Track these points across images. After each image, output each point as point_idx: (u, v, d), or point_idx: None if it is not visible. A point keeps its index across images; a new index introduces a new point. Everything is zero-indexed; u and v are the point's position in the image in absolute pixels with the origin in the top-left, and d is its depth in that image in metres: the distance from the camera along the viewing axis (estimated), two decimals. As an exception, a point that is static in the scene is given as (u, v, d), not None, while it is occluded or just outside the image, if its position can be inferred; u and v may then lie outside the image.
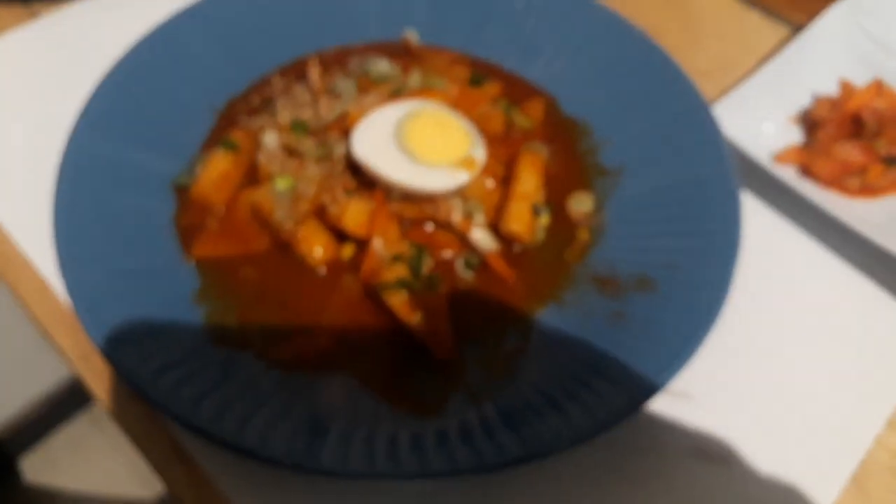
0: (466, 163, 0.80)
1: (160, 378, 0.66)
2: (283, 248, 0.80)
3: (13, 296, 0.82)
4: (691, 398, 0.77)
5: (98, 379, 0.77)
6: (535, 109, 0.94)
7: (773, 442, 0.76)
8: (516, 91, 0.96)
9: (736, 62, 1.10)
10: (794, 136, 0.98)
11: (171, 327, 0.71)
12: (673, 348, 0.70)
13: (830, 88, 1.00)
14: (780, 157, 0.93)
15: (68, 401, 2.21)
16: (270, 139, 0.84)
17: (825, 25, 1.03)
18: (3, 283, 0.84)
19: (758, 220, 0.90)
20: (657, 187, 0.85)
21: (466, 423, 0.67)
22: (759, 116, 0.96)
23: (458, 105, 0.88)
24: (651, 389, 0.67)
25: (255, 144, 0.86)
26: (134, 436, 0.74)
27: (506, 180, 0.86)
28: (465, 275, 0.81)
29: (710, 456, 0.75)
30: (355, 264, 0.80)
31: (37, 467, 2.18)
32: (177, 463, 0.72)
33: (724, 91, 1.05)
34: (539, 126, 0.93)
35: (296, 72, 0.95)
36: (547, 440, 0.64)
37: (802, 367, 0.81)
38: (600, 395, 0.68)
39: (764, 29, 1.15)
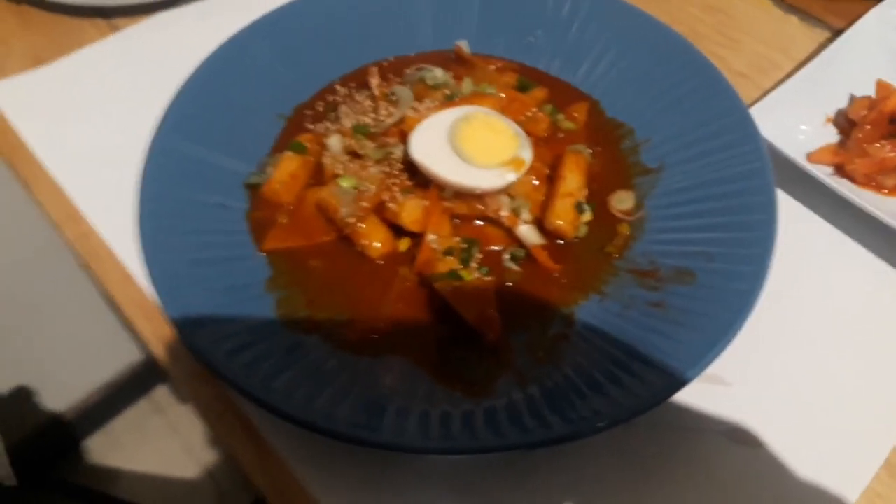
0: (514, 163, 0.86)
1: (234, 359, 0.73)
2: (346, 241, 0.87)
3: (99, 286, 0.91)
4: (726, 384, 0.82)
5: (175, 362, 0.85)
6: (579, 112, 0.99)
7: (806, 427, 0.80)
8: (561, 95, 1.02)
9: (774, 65, 1.13)
10: (830, 136, 1.01)
11: (245, 313, 0.79)
12: (710, 337, 0.75)
13: (867, 90, 1.03)
14: (814, 157, 0.97)
15: (131, 386, 2.32)
16: (335, 142, 0.92)
17: (862, 28, 1.06)
18: (89, 275, 0.93)
19: (792, 217, 0.94)
20: (695, 184, 0.90)
21: (514, 404, 0.73)
22: (796, 117, 1.00)
23: (506, 110, 0.94)
24: (688, 375, 0.72)
25: (321, 147, 0.93)
26: (208, 415, 0.82)
27: (550, 179, 0.92)
28: (511, 267, 0.87)
29: (744, 439, 0.79)
30: (411, 257, 0.87)
31: (100, 448, 2.31)
32: (246, 440, 0.79)
33: (762, 92, 1.09)
34: (582, 128, 0.98)
35: (357, 80, 1.02)
36: (589, 420, 0.70)
37: (835, 357, 0.85)
38: (640, 378, 0.73)
39: (802, 33, 1.18)
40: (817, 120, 1.02)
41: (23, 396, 2.06)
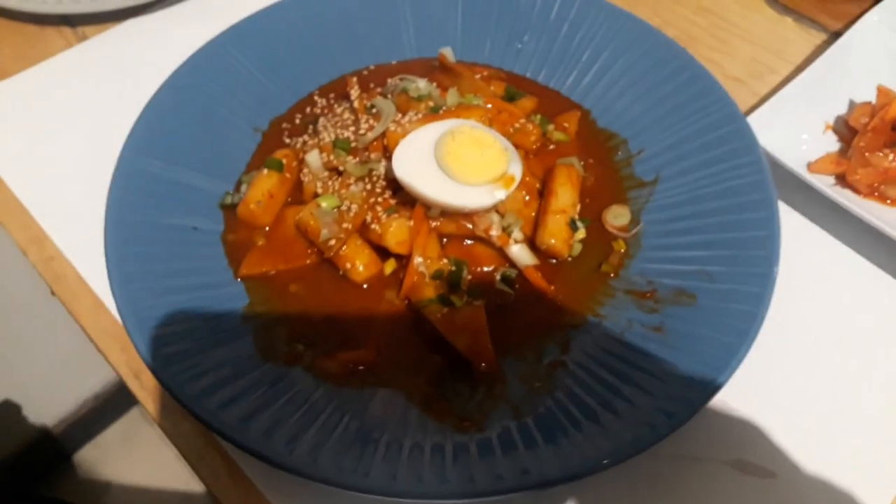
0: (504, 180, 0.82)
1: (210, 397, 0.68)
2: (328, 264, 0.82)
3: (68, 312, 0.85)
4: (730, 408, 0.78)
5: (149, 396, 0.80)
6: (570, 123, 0.95)
7: (817, 453, 0.76)
8: (551, 105, 0.97)
9: (770, 69, 1.10)
10: (830, 144, 0.98)
11: (221, 345, 0.74)
12: (713, 364, 0.71)
13: (867, 95, 1.00)
14: (816, 167, 0.93)
15: (121, 396, 2.27)
16: (314, 158, 0.87)
17: (861, 31, 1.03)
18: (58, 300, 0.88)
19: (793, 229, 0.90)
20: (693, 198, 0.86)
21: (509, 439, 0.69)
22: (795, 125, 0.96)
23: (494, 121, 0.90)
24: (692, 406, 0.68)
25: (300, 163, 0.88)
26: (186, 453, 0.77)
27: (541, 194, 0.88)
28: (503, 289, 0.82)
29: (752, 469, 0.75)
30: (397, 279, 0.82)
31: (91, 460, 2.25)
32: (228, 478, 0.74)
33: (759, 98, 1.05)
34: (574, 139, 0.94)
35: (336, 90, 0.97)
36: (589, 459, 0.65)
37: (844, 378, 0.81)
38: (642, 410, 0.69)
39: (797, 35, 1.15)
40: (817, 127, 0.98)
41: (8, 410, 2.00)
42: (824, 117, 0.99)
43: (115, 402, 2.29)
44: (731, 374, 0.70)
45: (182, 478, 2.22)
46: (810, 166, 0.93)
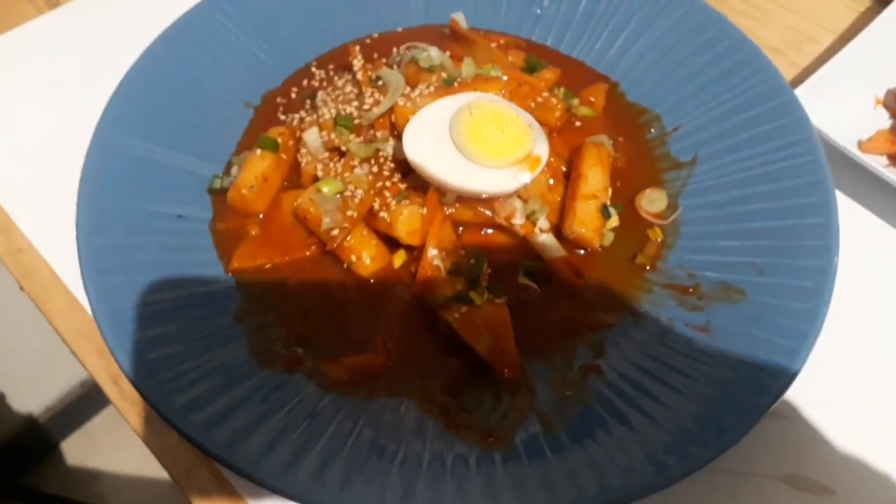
0: (528, 161, 0.72)
1: (198, 411, 0.60)
2: (330, 256, 0.73)
3: (40, 312, 0.76)
4: (784, 419, 0.70)
5: (130, 406, 0.71)
6: (597, 96, 0.86)
7: (880, 469, 0.68)
8: (575, 77, 0.88)
9: (809, 38, 1.00)
10: (881, 120, 0.89)
11: (211, 349, 0.65)
12: (770, 370, 0.63)
13: (921, 67, 0.91)
14: (867, 146, 0.84)
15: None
16: (312, 137, 0.77)
17: (913, -4, 0.93)
18: (28, 297, 0.78)
19: (844, 215, 0.81)
20: (737, 181, 0.77)
21: (540, 455, 0.60)
22: (842, 100, 0.87)
23: (513, 95, 0.80)
24: (747, 420, 0.60)
25: (296, 142, 0.79)
26: (171, 469, 0.68)
27: (567, 177, 0.79)
28: (527, 284, 0.73)
29: (807, 485, 0.67)
30: (408, 273, 0.73)
31: (78, 449, 2.17)
32: (217, 494, 0.66)
33: (799, 70, 0.96)
34: (601, 115, 0.85)
35: (336, 61, 0.87)
36: (633, 482, 0.57)
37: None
38: (690, 425, 0.61)
39: (840, 2, 1.05)
40: (866, 102, 0.90)
41: (-8, 398, 1.92)
42: (874, 91, 0.90)
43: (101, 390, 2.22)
44: (790, 383, 0.62)
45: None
46: (861, 145, 0.85)
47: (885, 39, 0.91)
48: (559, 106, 0.81)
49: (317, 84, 0.86)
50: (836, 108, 0.86)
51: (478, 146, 0.71)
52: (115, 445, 2.18)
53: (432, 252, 0.71)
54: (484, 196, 0.72)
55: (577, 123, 0.83)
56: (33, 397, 2.05)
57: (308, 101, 0.83)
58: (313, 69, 0.87)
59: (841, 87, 0.87)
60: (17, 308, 1.75)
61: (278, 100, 0.85)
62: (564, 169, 0.79)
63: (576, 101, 0.84)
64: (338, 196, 0.72)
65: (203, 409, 0.60)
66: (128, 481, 2.13)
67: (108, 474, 2.15)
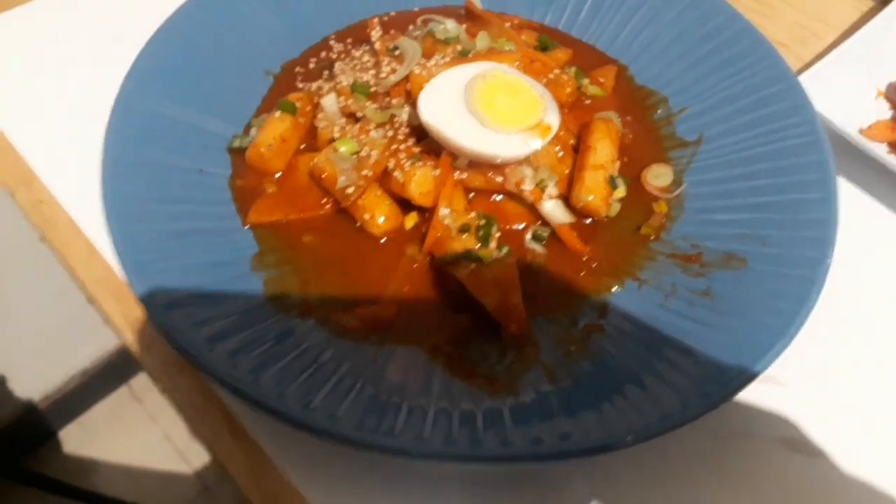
0: (539, 128, 0.75)
1: (215, 346, 0.61)
2: (344, 215, 0.76)
3: (60, 260, 0.78)
4: (780, 384, 0.72)
5: (146, 348, 0.73)
6: (606, 77, 0.88)
7: (871, 434, 0.70)
8: (585, 59, 0.91)
9: (814, 34, 1.03)
10: (882, 111, 0.91)
11: (227, 293, 0.67)
12: (769, 332, 0.65)
13: (921, 62, 0.93)
14: (869, 133, 0.87)
15: (108, 374, 2.19)
16: (330, 102, 0.80)
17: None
18: (50, 250, 0.81)
19: (843, 199, 0.84)
20: (741, 159, 0.80)
21: (545, 402, 0.62)
22: (844, 91, 0.90)
23: (526, 71, 0.82)
24: (745, 377, 0.62)
25: (314, 108, 0.81)
26: (184, 409, 0.70)
27: (576, 150, 0.81)
28: (534, 248, 0.76)
29: (803, 447, 0.69)
30: (419, 234, 0.75)
31: (75, 439, 2.17)
32: (230, 438, 0.68)
33: (803, 64, 0.99)
34: (610, 95, 0.88)
35: (354, 35, 0.90)
36: (635, 427, 0.59)
37: (899, 354, 0.75)
38: (690, 378, 0.63)
39: (843, 1, 1.08)
40: (868, 94, 0.92)
41: (-6, 382, 1.92)
42: (875, 84, 0.93)
43: (103, 379, 2.22)
44: (788, 343, 0.64)
45: (170, 458, 2.17)
46: (863, 132, 0.87)
47: (887, 34, 0.94)
48: (570, 83, 0.83)
49: (335, 56, 0.88)
50: (838, 98, 0.89)
51: (491, 112, 0.74)
52: (112, 437, 2.18)
53: (444, 211, 0.73)
54: (497, 161, 0.74)
55: (587, 101, 0.86)
56: (32, 385, 2.05)
57: (326, 72, 0.86)
58: (331, 42, 0.90)
59: (842, 78, 0.90)
60: (16, 296, 1.78)
61: (297, 69, 0.88)
62: (573, 143, 0.82)
63: (586, 81, 0.87)
64: (353, 156, 0.75)
65: (219, 344, 0.62)
66: (123, 473, 2.13)
67: (104, 465, 2.15)
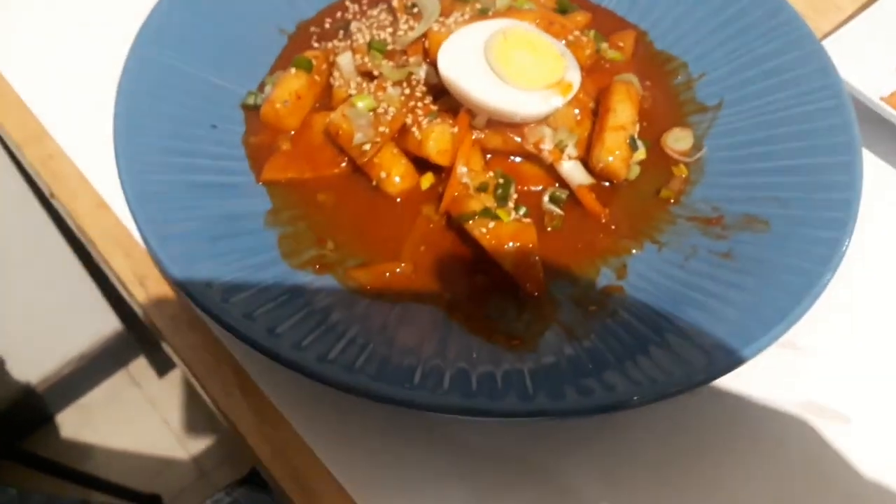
0: (561, 86, 0.73)
1: (231, 298, 0.60)
2: (359, 174, 0.74)
3: (67, 214, 0.77)
4: (798, 349, 0.71)
5: (154, 304, 0.72)
6: (625, 42, 0.87)
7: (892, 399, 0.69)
8: (604, 23, 0.89)
9: (833, 5, 1.02)
10: (903, 80, 0.90)
11: (242, 246, 0.66)
12: (793, 290, 0.63)
13: (942, 33, 0.92)
14: (891, 100, 0.85)
15: (106, 358, 2.19)
16: (346, 61, 0.78)
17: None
18: (56, 205, 0.79)
19: (866, 169, 0.82)
20: (762, 123, 0.78)
21: (566, 359, 0.61)
22: (865, 57, 0.89)
23: (545, 32, 0.81)
24: (766, 338, 0.61)
25: (330, 66, 0.80)
26: (196, 368, 0.69)
27: (595, 114, 0.80)
28: (552, 210, 0.74)
29: (825, 412, 0.68)
30: (435, 196, 0.74)
31: (73, 422, 2.17)
32: (241, 396, 0.67)
33: (822, 35, 0.97)
34: (629, 59, 0.86)
35: (368, -4, 0.89)
36: (660, 383, 0.58)
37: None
38: (714, 336, 0.62)
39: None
40: (888, 62, 0.91)
41: (-9, 364, 1.91)
42: (894, 54, 0.92)
43: (102, 363, 2.21)
44: (813, 302, 0.63)
45: (167, 444, 2.16)
46: (884, 100, 0.86)
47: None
48: (589, 45, 0.82)
49: (350, 16, 0.87)
50: (858, 65, 0.87)
51: (511, 69, 0.72)
52: (109, 422, 2.18)
53: (462, 170, 0.72)
54: (517, 118, 0.73)
55: (607, 65, 0.85)
56: (30, 367, 2.04)
57: (342, 31, 0.85)
58: (347, 2, 0.89)
59: (862, 46, 0.89)
60: (15, 278, 1.77)
61: (312, 29, 0.86)
62: (592, 106, 0.80)
63: (605, 45, 0.85)
64: (370, 113, 0.73)
65: (235, 295, 0.60)
66: (120, 457, 2.12)
67: (101, 449, 2.15)
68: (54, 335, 2.02)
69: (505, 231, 0.69)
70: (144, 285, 0.72)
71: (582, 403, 0.56)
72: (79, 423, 2.18)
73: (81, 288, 1.82)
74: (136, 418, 2.20)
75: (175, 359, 0.70)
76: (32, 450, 2.11)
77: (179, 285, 0.60)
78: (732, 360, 0.59)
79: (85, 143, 0.79)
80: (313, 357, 0.57)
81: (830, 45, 0.86)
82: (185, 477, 2.13)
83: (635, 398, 0.57)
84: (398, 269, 0.68)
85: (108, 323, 2.08)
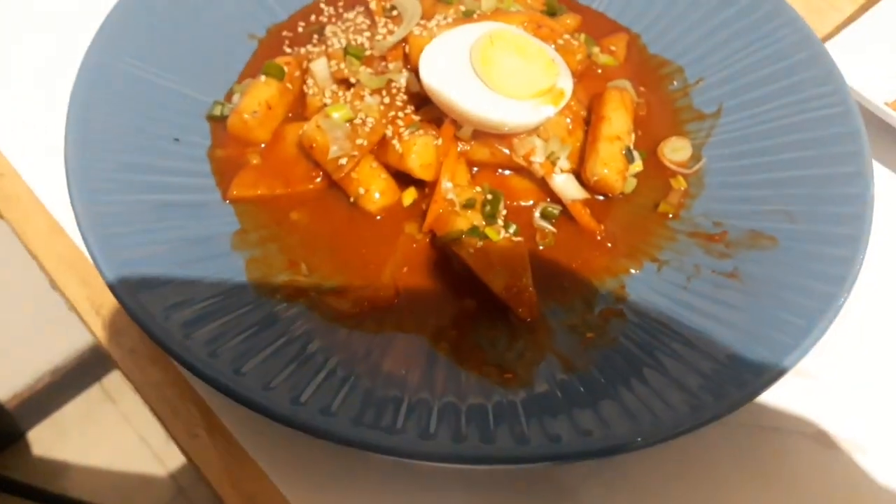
0: (552, 95, 0.68)
1: (192, 333, 0.54)
2: (336, 189, 0.69)
3: (18, 238, 0.71)
4: (810, 376, 0.66)
5: (114, 337, 0.66)
6: (618, 46, 0.82)
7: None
8: (595, 26, 0.84)
9: (831, 5, 0.98)
10: (906, 84, 0.86)
11: (206, 273, 0.60)
12: (806, 314, 0.59)
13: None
14: (894, 107, 0.81)
15: (80, 372, 2.12)
16: (320, 67, 0.73)
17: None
18: (11, 230, 0.73)
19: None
20: (764, 131, 0.74)
21: (562, 395, 0.56)
22: (867, 62, 0.84)
23: (534, 36, 0.76)
24: (781, 365, 0.56)
25: (303, 73, 0.74)
26: (156, 405, 0.63)
27: (587, 122, 0.75)
28: (544, 227, 0.69)
29: (837, 442, 0.63)
30: (418, 212, 0.69)
31: (46, 440, 2.10)
32: (207, 437, 0.61)
33: (821, 37, 0.93)
34: (622, 64, 0.81)
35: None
36: (663, 423, 0.53)
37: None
38: (723, 367, 0.57)
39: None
40: (891, 67, 0.87)
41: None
42: (899, 56, 0.88)
43: (75, 377, 2.15)
44: (828, 327, 0.58)
45: (144, 460, 2.10)
46: (889, 105, 0.82)
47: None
48: (580, 49, 0.77)
49: (325, 20, 0.81)
50: (860, 71, 0.83)
51: (499, 76, 0.67)
52: (84, 438, 2.11)
53: (447, 185, 0.67)
54: (505, 129, 0.68)
55: (599, 71, 0.80)
56: (1, 383, 1.97)
57: (316, 36, 0.79)
58: (322, 5, 0.83)
59: (865, 50, 0.85)
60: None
61: (284, 33, 0.81)
62: (584, 115, 0.75)
63: (596, 49, 0.80)
64: (347, 124, 0.68)
65: (197, 330, 0.55)
66: (96, 475, 2.06)
67: (76, 467, 2.08)
68: (25, 349, 1.95)
69: (494, 251, 0.64)
70: (101, 315, 0.66)
71: (581, 446, 0.51)
72: (52, 440, 2.11)
73: (52, 299, 1.75)
74: (111, 435, 2.13)
75: (136, 395, 0.64)
76: (3, 469, 2.04)
77: (135, 319, 0.54)
78: (743, 395, 0.54)
79: (38, 161, 0.73)
80: (285, 400, 0.51)
81: (832, 49, 0.82)
82: (162, 495, 2.07)
83: (639, 440, 0.52)
84: (379, 294, 0.63)
85: (80, 336, 2.01)
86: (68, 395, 2.16)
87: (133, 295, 0.55)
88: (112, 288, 0.55)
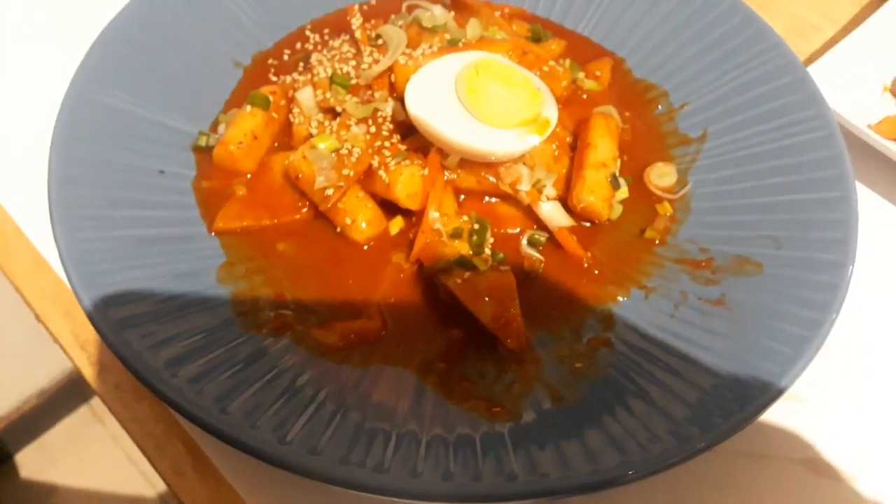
0: (538, 124, 0.69)
1: (177, 371, 0.54)
2: (323, 219, 0.68)
3: (2, 274, 0.70)
4: (799, 400, 0.66)
5: (99, 373, 0.65)
6: (602, 71, 0.82)
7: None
8: (580, 52, 0.84)
9: (814, 27, 0.99)
10: (889, 107, 0.87)
11: (191, 308, 0.59)
12: (793, 342, 0.59)
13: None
14: (880, 129, 0.82)
15: (67, 393, 2.10)
16: (306, 96, 0.73)
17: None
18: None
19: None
20: (749, 156, 0.74)
21: (551, 428, 0.56)
22: (848, 86, 0.85)
23: (519, 62, 0.76)
24: (770, 392, 0.56)
25: (288, 102, 0.74)
26: (145, 444, 0.62)
27: (573, 149, 0.75)
28: (531, 255, 0.69)
29: (825, 469, 0.63)
30: (405, 241, 0.69)
31: (34, 462, 2.08)
32: (193, 475, 0.60)
33: (804, 58, 0.94)
34: (607, 90, 0.82)
35: (331, 26, 0.83)
36: (653, 455, 0.53)
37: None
38: (710, 397, 0.57)
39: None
40: (873, 89, 0.88)
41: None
42: (880, 79, 0.89)
43: (62, 399, 2.13)
44: (814, 354, 0.58)
45: (134, 482, 2.08)
46: (872, 128, 0.82)
47: (891, 28, 0.89)
48: (565, 75, 0.77)
49: (311, 47, 0.81)
50: (843, 94, 0.84)
51: (485, 105, 0.68)
52: (72, 460, 2.08)
53: (433, 215, 0.66)
54: (491, 158, 0.68)
55: (584, 96, 0.80)
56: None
57: (301, 64, 0.79)
58: (307, 33, 0.83)
59: (847, 73, 0.85)
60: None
61: (270, 61, 0.81)
62: (570, 141, 0.75)
63: (581, 75, 0.81)
64: (333, 154, 0.67)
65: (181, 368, 0.54)
66: (84, 498, 2.04)
67: (64, 489, 2.06)
68: (11, 371, 1.94)
69: (482, 281, 0.64)
70: (86, 350, 0.65)
71: (569, 481, 0.51)
72: (39, 462, 2.08)
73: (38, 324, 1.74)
74: (100, 456, 2.10)
75: (122, 430, 0.63)
76: (-9, 492, 2.02)
77: (118, 355, 0.53)
78: (732, 425, 0.54)
79: (23, 195, 0.72)
80: (272, 438, 0.51)
81: (814, 72, 0.83)
82: (152, 516, 2.06)
83: (630, 472, 0.51)
84: (366, 326, 0.63)
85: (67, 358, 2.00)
86: (56, 416, 2.13)
87: (117, 333, 0.55)
88: (95, 325, 0.55)
